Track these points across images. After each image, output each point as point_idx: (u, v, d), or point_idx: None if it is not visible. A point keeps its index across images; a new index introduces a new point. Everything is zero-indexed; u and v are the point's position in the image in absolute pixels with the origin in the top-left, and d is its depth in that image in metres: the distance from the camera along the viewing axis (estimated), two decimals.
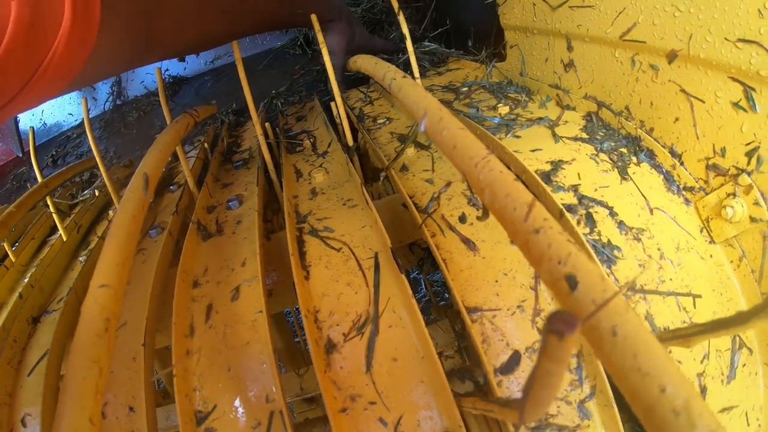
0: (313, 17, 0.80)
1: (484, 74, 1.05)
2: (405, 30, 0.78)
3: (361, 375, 0.48)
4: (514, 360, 0.47)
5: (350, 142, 0.83)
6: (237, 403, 0.50)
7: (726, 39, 0.53)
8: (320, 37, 0.77)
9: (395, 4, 0.80)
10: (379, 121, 0.94)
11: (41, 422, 0.56)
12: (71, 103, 1.99)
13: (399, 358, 0.48)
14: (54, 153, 1.75)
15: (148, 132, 1.70)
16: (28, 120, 1.97)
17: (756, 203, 0.52)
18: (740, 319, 0.25)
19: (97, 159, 0.82)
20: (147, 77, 2.03)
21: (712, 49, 0.54)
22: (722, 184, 0.56)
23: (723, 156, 0.56)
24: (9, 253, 0.94)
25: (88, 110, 0.85)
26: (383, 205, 0.69)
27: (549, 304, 0.50)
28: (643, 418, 0.20)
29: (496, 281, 0.51)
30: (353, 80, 1.22)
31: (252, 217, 0.72)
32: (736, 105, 0.54)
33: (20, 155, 1.86)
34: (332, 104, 0.93)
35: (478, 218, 0.56)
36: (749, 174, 0.53)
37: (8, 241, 0.94)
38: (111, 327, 0.34)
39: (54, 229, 1.09)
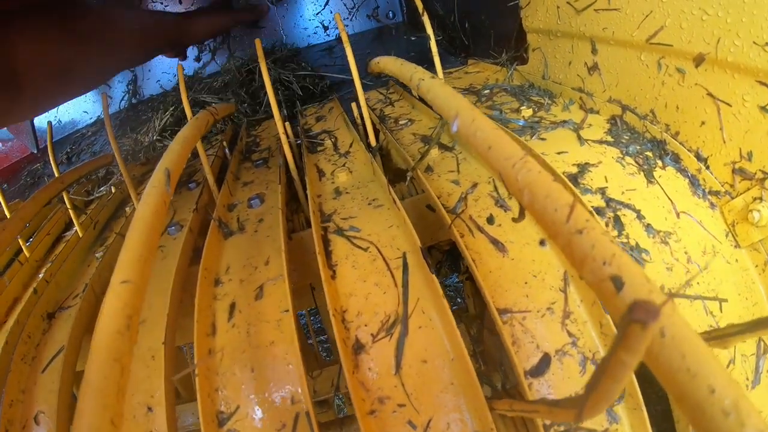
0: None
1: (506, 77, 1.05)
2: (429, 30, 0.79)
3: (390, 377, 0.47)
4: (545, 362, 0.47)
5: (373, 142, 0.83)
6: (261, 404, 0.50)
7: (754, 43, 0.53)
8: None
9: (419, 5, 0.80)
10: (401, 122, 0.94)
11: (56, 420, 0.55)
12: (86, 101, 2.01)
13: (429, 360, 0.48)
14: (69, 150, 1.76)
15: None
16: (44, 116, 1.98)
17: None
18: None
19: (116, 155, 0.82)
20: (163, 77, 2.04)
21: (740, 53, 0.54)
22: (748, 188, 0.56)
23: (750, 160, 0.56)
24: (23, 248, 0.95)
25: (108, 107, 0.86)
26: (408, 206, 0.69)
27: (578, 306, 0.50)
28: (691, 418, 0.20)
29: (526, 283, 0.51)
30: None
31: (275, 216, 0.72)
32: (763, 109, 0.53)
33: (35, 151, 1.88)
34: (353, 105, 0.94)
35: (513, 219, 0.56)
36: None
37: (23, 236, 0.95)
38: (133, 324, 0.34)
39: (69, 225, 1.10)
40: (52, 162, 0.95)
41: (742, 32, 0.53)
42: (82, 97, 2.03)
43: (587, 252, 0.25)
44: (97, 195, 1.19)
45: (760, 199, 0.54)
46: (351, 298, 0.53)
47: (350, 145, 0.90)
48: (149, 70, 2.02)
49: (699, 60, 0.60)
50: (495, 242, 0.55)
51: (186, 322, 0.61)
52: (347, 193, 0.73)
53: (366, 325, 0.51)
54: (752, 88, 0.54)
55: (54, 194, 0.88)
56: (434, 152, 0.76)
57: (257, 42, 0.78)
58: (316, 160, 0.87)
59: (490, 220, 0.59)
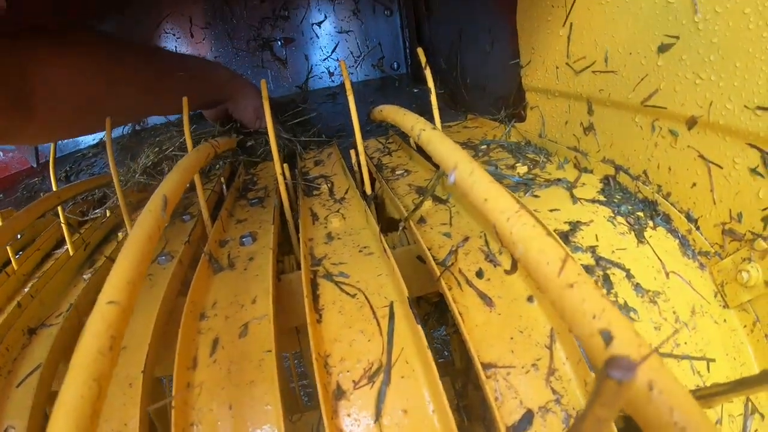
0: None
1: (503, 133, 1.06)
2: (431, 84, 0.80)
3: (370, 425, 0.46)
4: (527, 419, 0.46)
5: (368, 190, 0.83)
6: None
7: (745, 106, 0.54)
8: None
9: (423, 59, 0.82)
10: (397, 172, 0.95)
11: None
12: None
13: (409, 410, 0.47)
14: (68, 169, 1.76)
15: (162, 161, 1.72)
16: None
17: None
18: (763, 378, 0.24)
19: (115, 179, 0.82)
20: None
21: (732, 116, 0.55)
22: (737, 249, 0.56)
23: (739, 221, 0.56)
24: (12, 260, 0.93)
25: (111, 130, 0.86)
26: (399, 256, 0.69)
27: (564, 363, 0.49)
28: None
29: (512, 338, 0.51)
30: None
31: (266, 255, 0.71)
32: (753, 171, 0.54)
33: (35, 166, 1.87)
34: (351, 152, 0.94)
35: (505, 272, 0.56)
36: (765, 239, 0.53)
37: (12, 248, 0.93)
38: (115, 346, 0.33)
39: (60, 243, 1.09)
40: (51, 176, 0.95)
41: (734, 96, 0.55)
42: None
43: (577, 306, 0.24)
44: (91, 216, 1.19)
45: (749, 259, 0.54)
46: (335, 344, 0.53)
47: (346, 192, 0.90)
48: None
49: (692, 123, 0.61)
50: (483, 296, 0.55)
51: (167, 354, 0.59)
52: (339, 238, 0.73)
53: (348, 372, 0.50)
54: (743, 151, 0.55)
55: (49, 208, 0.87)
56: (428, 204, 0.76)
57: (263, 83, 0.79)
58: (311, 204, 0.88)
59: (480, 274, 0.58)
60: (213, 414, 0.50)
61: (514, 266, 0.54)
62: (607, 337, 0.22)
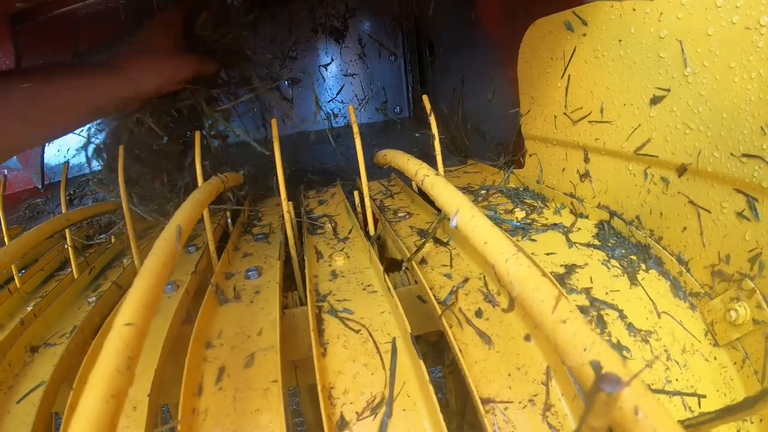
0: None
1: (502, 179, 1.10)
2: (434, 130, 0.84)
3: None
4: None
5: (371, 231, 0.86)
6: None
7: (731, 154, 0.57)
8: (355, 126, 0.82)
9: (428, 106, 0.86)
10: (399, 214, 0.98)
11: None
12: (68, 162, 2.06)
13: None
14: (72, 192, 1.77)
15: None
16: (53, 156, 2.01)
17: (759, 306, 0.54)
18: (747, 404, 0.27)
19: (124, 204, 0.85)
20: None
21: (719, 163, 0.59)
22: (726, 290, 0.59)
23: (728, 263, 0.59)
24: (15, 278, 0.95)
25: (123, 157, 0.89)
26: (400, 295, 0.71)
27: (559, 399, 0.51)
28: None
29: (509, 375, 0.53)
30: None
31: (271, 289, 0.74)
32: (740, 215, 0.57)
33: (40, 187, 1.89)
34: (355, 193, 0.97)
35: (503, 310, 0.59)
36: (752, 279, 0.55)
37: (17, 266, 0.96)
38: (132, 366, 0.34)
39: (63, 265, 1.12)
40: (62, 198, 0.97)
41: (721, 145, 0.58)
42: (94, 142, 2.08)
43: (569, 339, 0.27)
44: (96, 241, 1.21)
45: (737, 299, 0.56)
46: (339, 376, 0.55)
47: (349, 231, 0.93)
48: None
49: (681, 170, 0.64)
50: (482, 335, 0.57)
51: (171, 383, 0.61)
52: (343, 276, 0.75)
53: (352, 403, 0.52)
54: (730, 196, 0.58)
55: (58, 229, 0.89)
56: (429, 246, 0.79)
57: (273, 122, 0.83)
58: (315, 242, 0.90)
59: (479, 313, 0.61)
60: None
61: (512, 305, 0.57)
62: (597, 367, 0.25)
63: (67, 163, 1.07)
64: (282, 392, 0.53)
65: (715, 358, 0.59)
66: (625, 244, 0.74)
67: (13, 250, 0.76)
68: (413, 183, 1.14)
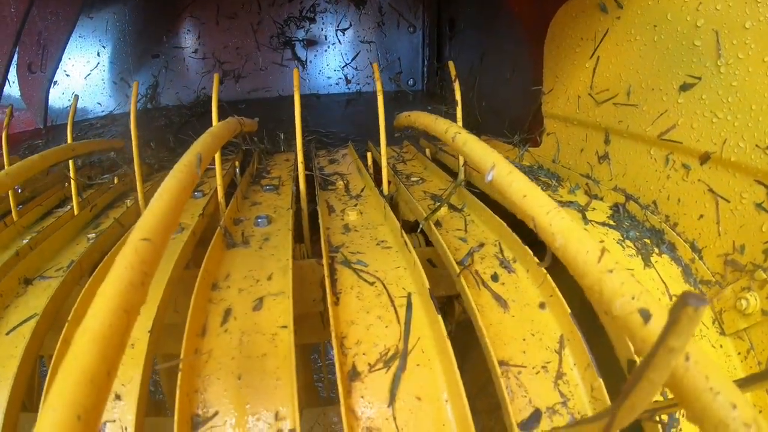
0: None
1: (517, 156, 1.09)
2: (458, 96, 0.83)
3: (383, 408, 0.48)
4: (535, 417, 0.48)
5: (386, 190, 0.86)
6: (241, 414, 0.48)
7: (757, 145, 0.57)
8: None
9: (453, 71, 0.85)
10: (412, 179, 0.98)
11: (11, 386, 0.53)
12: (102, 94, 2.05)
13: (423, 398, 0.48)
14: (75, 136, 1.78)
15: (167, 144, 1.74)
16: (57, 98, 2.00)
17: None
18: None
19: (134, 145, 0.84)
20: (183, 90, 2.10)
21: (743, 154, 0.59)
22: (738, 279, 0.59)
23: (742, 253, 0.60)
24: (13, 210, 0.94)
25: (136, 94, 0.88)
26: None
27: (572, 368, 0.51)
28: None
29: (524, 340, 0.53)
30: None
31: (281, 237, 0.74)
32: (759, 206, 0.58)
33: (41, 127, 1.87)
34: (368, 154, 0.97)
35: (538, 264, 0.58)
36: (765, 270, 0.56)
37: (15, 200, 0.94)
38: (146, 282, 0.32)
39: (63, 204, 1.10)
40: (69, 129, 0.95)
41: (747, 135, 0.58)
42: (99, 88, 2.09)
43: (617, 289, 0.27)
44: (98, 181, 1.21)
45: (749, 288, 0.57)
46: (352, 326, 0.55)
47: (362, 190, 0.93)
48: (171, 81, 2.07)
49: (704, 158, 0.64)
50: (498, 298, 0.58)
51: (174, 325, 0.60)
52: (356, 231, 0.75)
53: (364, 354, 0.52)
54: (750, 187, 0.58)
55: (62, 158, 0.87)
56: (444, 211, 0.79)
57: (295, 72, 0.82)
58: (326, 197, 0.90)
59: (495, 278, 0.61)
60: (220, 383, 0.50)
61: (549, 257, 0.57)
62: (646, 315, 0.25)
63: (76, 96, 1.05)
64: (292, 339, 0.52)
65: (721, 346, 0.60)
66: (640, 227, 0.74)
67: (16, 171, 0.73)
68: (427, 151, 1.14)
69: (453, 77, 0.85)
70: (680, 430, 0.48)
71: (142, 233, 0.35)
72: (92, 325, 0.27)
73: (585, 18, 0.88)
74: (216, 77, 0.86)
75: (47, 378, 0.53)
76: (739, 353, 0.59)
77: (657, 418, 0.45)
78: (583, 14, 0.89)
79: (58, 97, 1.98)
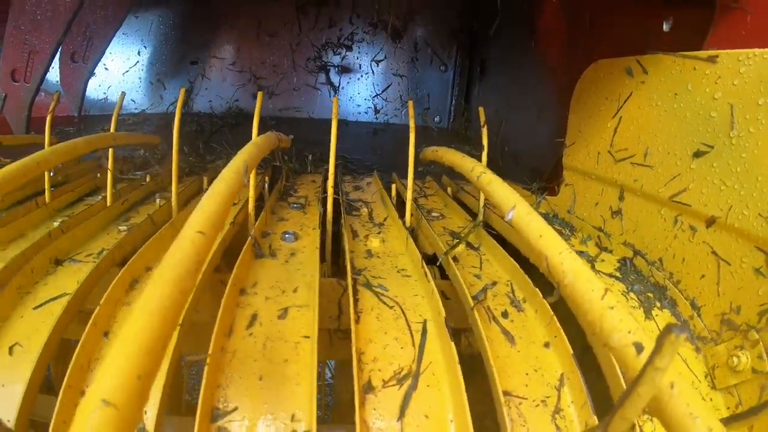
0: None
1: (533, 203, 1.14)
2: (485, 140, 0.89)
3: (392, 422, 0.52)
4: None
5: (408, 222, 0.91)
6: (259, 412, 0.51)
7: (760, 214, 0.62)
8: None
9: (482, 117, 0.91)
10: (433, 214, 1.03)
11: (37, 358, 0.56)
12: (137, 92, 2.14)
13: (430, 416, 0.52)
14: (105, 129, 1.83)
15: (196, 149, 1.78)
16: (93, 90, 2.09)
17: (760, 357, 0.59)
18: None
19: (175, 146, 0.90)
20: (216, 99, 2.19)
21: (746, 221, 0.64)
22: (732, 338, 0.63)
23: (738, 313, 0.64)
24: (47, 191, 0.98)
25: (182, 99, 0.93)
26: None
27: (569, 405, 0.55)
28: None
29: (527, 374, 0.57)
30: None
31: (308, 254, 0.79)
32: (757, 271, 0.62)
33: (76, 115, 1.93)
34: (393, 186, 1.03)
35: (546, 299, 0.63)
36: (758, 331, 0.60)
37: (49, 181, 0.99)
38: (198, 270, 0.35)
39: (93, 192, 1.16)
40: (113, 121, 1.01)
41: (751, 204, 0.63)
42: (135, 86, 2.20)
43: (616, 324, 0.32)
44: (130, 176, 1.26)
45: (741, 347, 0.61)
46: (370, 344, 0.59)
47: (384, 219, 0.98)
48: (206, 89, 2.14)
49: (710, 222, 0.69)
50: (506, 333, 0.62)
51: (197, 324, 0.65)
52: (378, 257, 0.80)
53: (380, 371, 0.56)
54: (751, 252, 0.63)
55: (104, 145, 0.92)
56: (461, 248, 0.84)
57: (335, 100, 0.88)
58: (351, 222, 0.95)
59: (505, 314, 0.66)
60: (242, 381, 0.54)
61: (557, 293, 0.61)
62: (639, 347, 0.30)
63: (123, 93, 1.12)
64: (315, 349, 0.56)
65: (711, 400, 0.64)
66: (644, 282, 0.78)
67: (62, 150, 0.76)
68: (449, 189, 1.19)
69: (482, 123, 0.91)
70: None
71: (197, 226, 0.39)
72: (151, 301, 0.30)
73: (611, 79, 0.94)
74: (260, 94, 0.92)
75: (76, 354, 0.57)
76: (728, 408, 0.63)
77: None
78: (610, 75, 0.94)
79: (93, 89, 2.06)
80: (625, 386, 0.56)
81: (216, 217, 0.42)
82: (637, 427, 0.52)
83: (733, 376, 0.61)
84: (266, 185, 1.17)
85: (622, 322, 0.32)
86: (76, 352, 0.56)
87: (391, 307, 0.65)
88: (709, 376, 0.65)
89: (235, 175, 0.51)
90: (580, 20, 1.23)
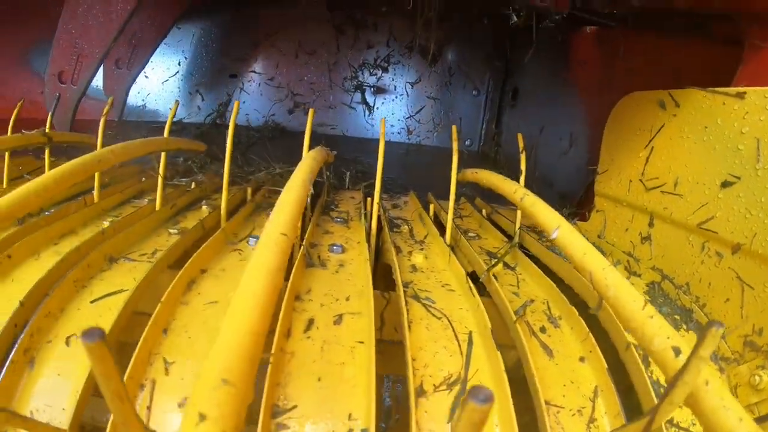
0: None
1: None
2: (523, 166, 0.95)
3: (443, 423, 0.56)
4: None
5: (448, 240, 0.97)
6: (318, 410, 0.55)
7: None
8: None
9: (521, 144, 0.97)
10: (469, 234, 1.09)
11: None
12: (178, 100, 2.19)
13: None
14: (143, 135, 1.87)
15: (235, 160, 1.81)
16: (132, 96, 2.15)
17: None
18: None
19: (228, 154, 0.98)
20: (253, 112, 2.27)
21: None
22: (754, 358, 0.68)
23: (760, 335, 0.68)
24: (96, 191, 1.04)
25: (236, 113, 1.00)
26: None
27: (603, 416, 0.60)
28: None
29: (564, 385, 0.62)
30: None
31: (356, 265, 0.85)
32: None
33: (116, 119, 1.99)
34: (431, 206, 1.09)
35: (590, 311, 0.68)
36: None
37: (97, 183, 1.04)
38: (283, 269, 0.39)
39: (139, 195, 1.22)
40: (167, 127, 1.07)
41: None
42: (173, 94, 2.31)
43: (656, 331, 0.37)
44: (174, 182, 1.34)
45: (763, 367, 0.65)
46: (420, 351, 0.64)
47: (425, 237, 1.04)
48: (243, 102, 2.22)
49: (736, 248, 0.74)
50: (545, 347, 0.67)
51: None
52: (422, 272, 0.86)
53: (430, 376, 0.61)
54: None
55: (157, 150, 0.98)
56: (498, 267, 0.89)
57: (382, 121, 0.94)
58: (393, 238, 1.01)
59: (543, 330, 0.71)
60: (301, 380, 0.58)
61: (599, 306, 0.66)
62: (677, 351, 0.35)
63: (177, 102, 1.18)
64: (372, 353, 0.60)
65: None
66: (671, 305, 0.83)
67: (121, 150, 0.79)
68: (483, 210, 1.25)
69: (521, 149, 0.97)
70: None
71: (279, 228, 0.44)
72: (248, 294, 0.35)
73: (644, 111, 0.99)
74: (311, 111, 0.98)
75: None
76: None
77: None
78: (643, 107, 1.00)
79: (132, 96, 2.14)
80: (656, 399, 0.61)
81: (293, 222, 0.47)
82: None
83: (754, 395, 0.66)
84: (308, 199, 1.23)
85: (661, 329, 0.37)
86: (138, 347, 0.60)
87: (439, 318, 0.71)
88: (732, 395, 0.69)
89: (303, 184, 0.57)
90: (615, 52, 1.29)
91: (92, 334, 0.29)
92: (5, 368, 0.58)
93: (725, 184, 0.78)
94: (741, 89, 0.77)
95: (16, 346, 0.59)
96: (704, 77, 0.88)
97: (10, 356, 0.58)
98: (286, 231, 0.44)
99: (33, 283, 0.69)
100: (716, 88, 0.82)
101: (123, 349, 0.63)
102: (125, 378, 0.57)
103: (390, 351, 0.73)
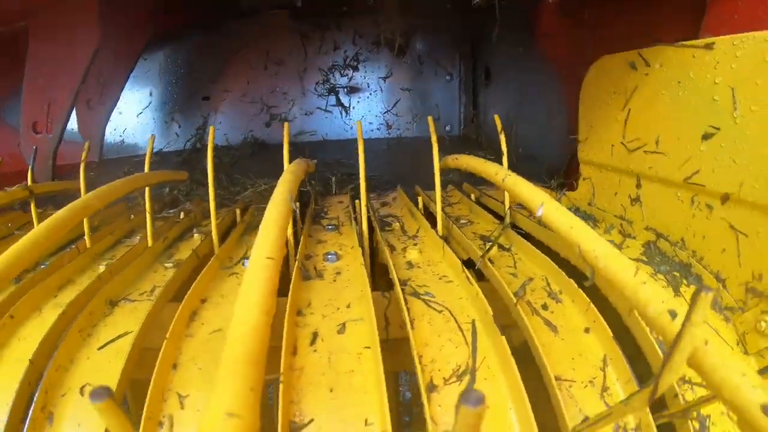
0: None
1: (555, 200, 1.19)
2: (504, 146, 0.94)
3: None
4: (585, 423, 0.57)
5: (440, 231, 0.97)
6: (334, 421, 0.55)
7: None
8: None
9: (499, 125, 0.97)
10: (461, 221, 1.09)
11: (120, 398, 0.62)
12: (153, 132, 2.19)
13: (491, 406, 0.57)
14: (126, 171, 1.88)
15: (220, 182, 1.80)
16: (109, 134, 2.15)
17: None
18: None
19: (210, 183, 0.97)
20: (231, 131, 2.27)
21: (758, 194, 0.69)
22: (758, 304, 0.68)
23: (760, 280, 0.69)
24: (87, 236, 1.03)
25: (213, 138, 0.99)
26: None
27: (615, 383, 0.60)
28: (728, 398, 0.32)
29: (572, 358, 0.62)
30: None
31: (353, 271, 0.85)
32: None
33: (96, 160, 1.96)
34: (419, 198, 1.08)
35: (584, 283, 0.67)
36: None
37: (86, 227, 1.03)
38: (274, 293, 0.40)
39: (130, 234, 1.21)
40: (147, 162, 1.07)
41: (761, 178, 0.68)
42: (149, 126, 2.29)
43: (650, 296, 0.37)
44: (163, 215, 1.33)
45: (767, 311, 0.66)
46: (426, 347, 0.64)
47: (417, 231, 1.04)
48: (220, 122, 2.22)
49: (725, 198, 0.74)
50: (548, 324, 0.67)
51: None
52: (419, 267, 0.86)
53: (439, 370, 0.61)
54: (766, 222, 0.68)
55: (139, 187, 0.97)
56: (494, 250, 0.89)
57: (358, 123, 0.94)
58: (386, 237, 1.01)
59: (545, 307, 0.71)
60: (313, 394, 0.58)
61: (592, 277, 0.65)
62: (673, 314, 0.35)
63: (153, 136, 1.17)
64: (379, 357, 0.60)
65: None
66: (669, 262, 0.83)
67: (104, 193, 0.80)
68: (472, 195, 1.25)
69: (499, 129, 0.97)
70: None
71: (264, 253, 0.44)
72: (242, 324, 0.35)
73: (616, 74, 0.99)
74: (286, 125, 0.98)
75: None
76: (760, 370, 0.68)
77: (693, 415, 0.54)
78: (614, 70, 1.00)
79: (109, 132, 2.13)
80: (662, 356, 0.62)
81: (278, 243, 0.48)
82: (680, 396, 0.57)
83: (762, 340, 0.66)
84: (297, 210, 1.23)
85: (655, 293, 0.37)
86: (150, 385, 0.60)
87: (440, 312, 0.70)
88: (740, 342, 0.69)
89: (284, 202, 0.57)
90: (580, 18, 1.29)
91: (100, 394, 0.29)
92: (26, 428, 0.58)
93: (706, 137, 0.78)
94: (709, 40, 0.77)
95: (33, 404, 0.60)
96: (676, 33, 0.88)
97: (29, 415, 0.59)
98: (272, 254, 0.45)
99: (39, 340, 0.69)
100: (684, 42, 0.82)
101: (138, 385, 0.63)
102: (143, 419, 0.57)
103: (399, 348, 0.73)
